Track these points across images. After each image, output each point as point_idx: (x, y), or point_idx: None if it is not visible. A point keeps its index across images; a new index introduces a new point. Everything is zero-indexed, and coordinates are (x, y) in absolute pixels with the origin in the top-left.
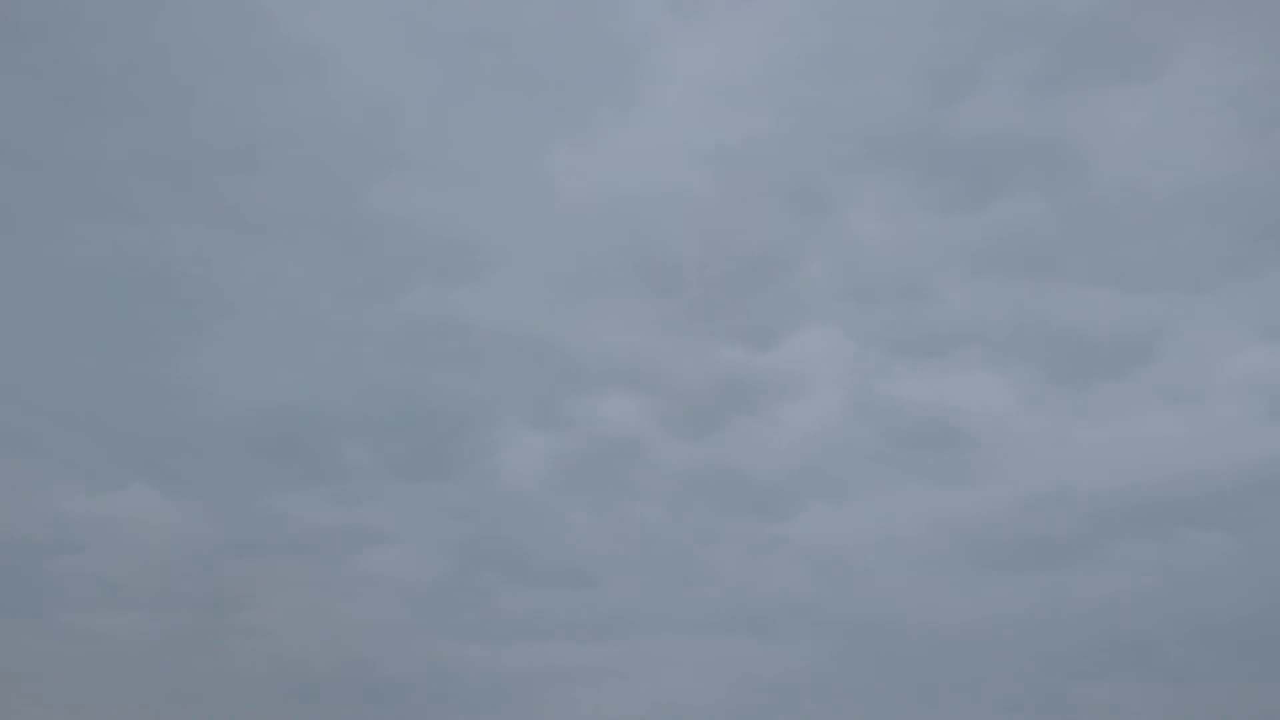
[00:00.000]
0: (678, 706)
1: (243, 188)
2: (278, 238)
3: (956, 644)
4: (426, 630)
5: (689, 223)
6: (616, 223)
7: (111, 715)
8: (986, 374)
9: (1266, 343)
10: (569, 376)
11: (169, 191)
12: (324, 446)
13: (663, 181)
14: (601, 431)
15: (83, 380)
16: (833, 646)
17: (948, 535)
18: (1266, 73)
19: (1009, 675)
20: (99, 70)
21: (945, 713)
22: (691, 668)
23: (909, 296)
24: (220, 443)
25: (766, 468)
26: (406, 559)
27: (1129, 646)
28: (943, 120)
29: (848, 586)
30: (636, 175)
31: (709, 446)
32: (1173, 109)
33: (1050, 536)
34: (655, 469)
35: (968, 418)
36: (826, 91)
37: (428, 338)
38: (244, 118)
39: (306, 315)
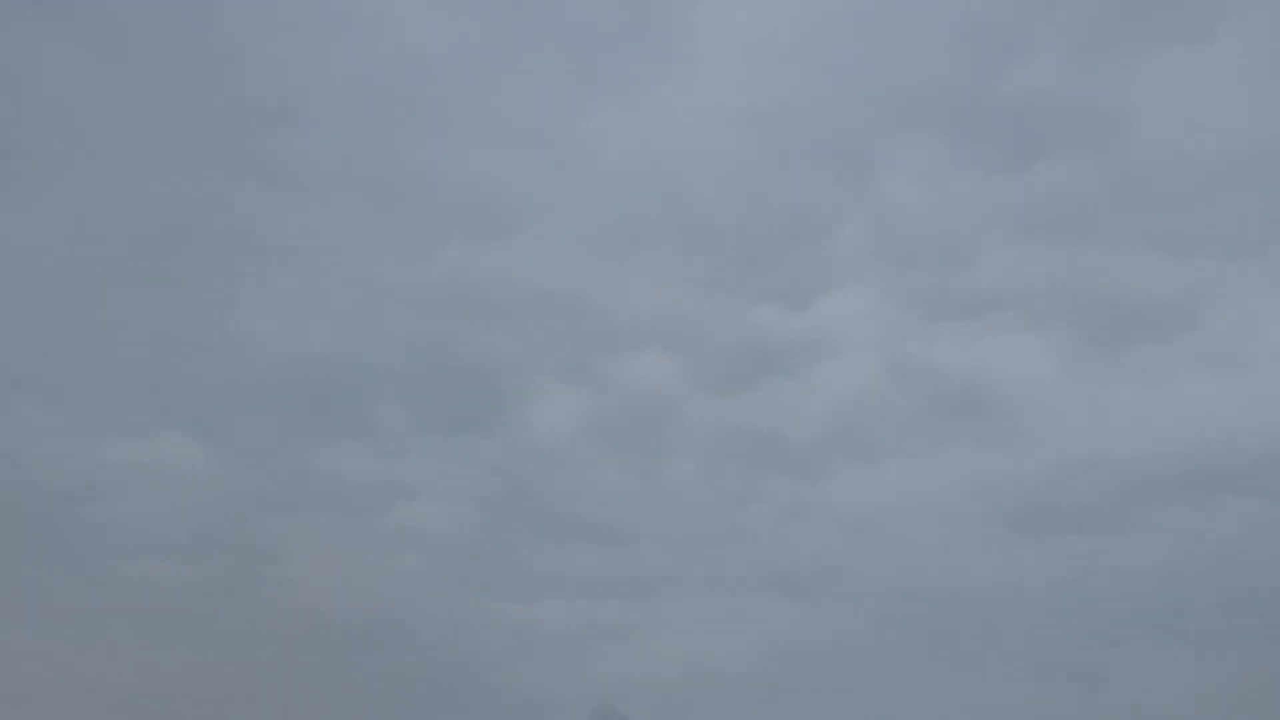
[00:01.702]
0: (707, 666)
1: (282, 143)
2: (315, 193)
3: (989, 610)
4: (457, 585)
5: (726, 183)
6: (653, 182)
7: (145, 660)
8: (1024, 338)
9: None
10: (603, 334)
11: (209, 146)
12: (357, 401)
13: (701, 141)
14: (634, 390)
15: (121, 332)
16: (864, 610)
17: (982, 501)
18: None
19: (1041, 642)
20: (143, 26)
21: (977, 678)
22: (721, 628)
23: (947, 259)
24: (255, 395)
25: (799, 429)
26: (438, 514)
27: (1164, 615)
28: (986, 82)
29: (880, 550)
30: (675, 134)
31: (742, 407)
32: (1220, 72)
33: (1086, 503)
34: (687, 428)
35: (1004, 382)
36: (868, 52)
37: (462, 294)
38: (285, 74)
39: (342, 270)
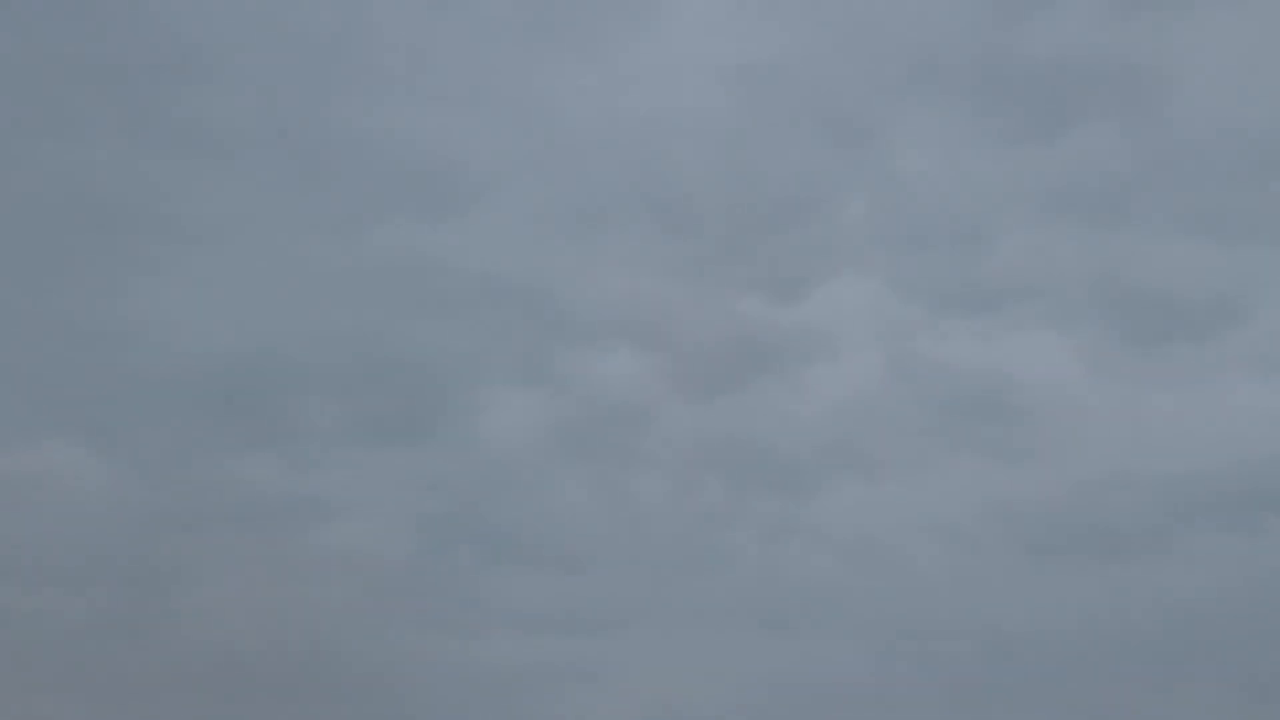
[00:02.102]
0: (681, 712)
1: (192, 102)
2: (230, 160)
3: (1007, 647)
4: (392, 618)
5: (708, 153)
6: (624, 152)
7: (25, 710)
8: (1048, 335)
9: None
10: (564, 328)
11: (105, 105)
12: (278, 403)
13: (678, 104)
14: (600, 393)
15: None
16: (863, 647)
17: (999, 521)
18: None
19: (1067, 685)
20: None
21: None
22: (698, 668)
23: (960, 243)
24: (158, 397)
25: (790, 439)
26: (371, 536)
27: (1210, 654)
28: (1006, 40)
29: (882, 578)
30: (648, 96)
31: (724, 413)
32: (1275, 30)
33: (1119, 525)
34: (661, 438)
35: (1025, 386)
36: (872, 3)
37: (402, 280)
38: (196, 21)
39: (262, 251)
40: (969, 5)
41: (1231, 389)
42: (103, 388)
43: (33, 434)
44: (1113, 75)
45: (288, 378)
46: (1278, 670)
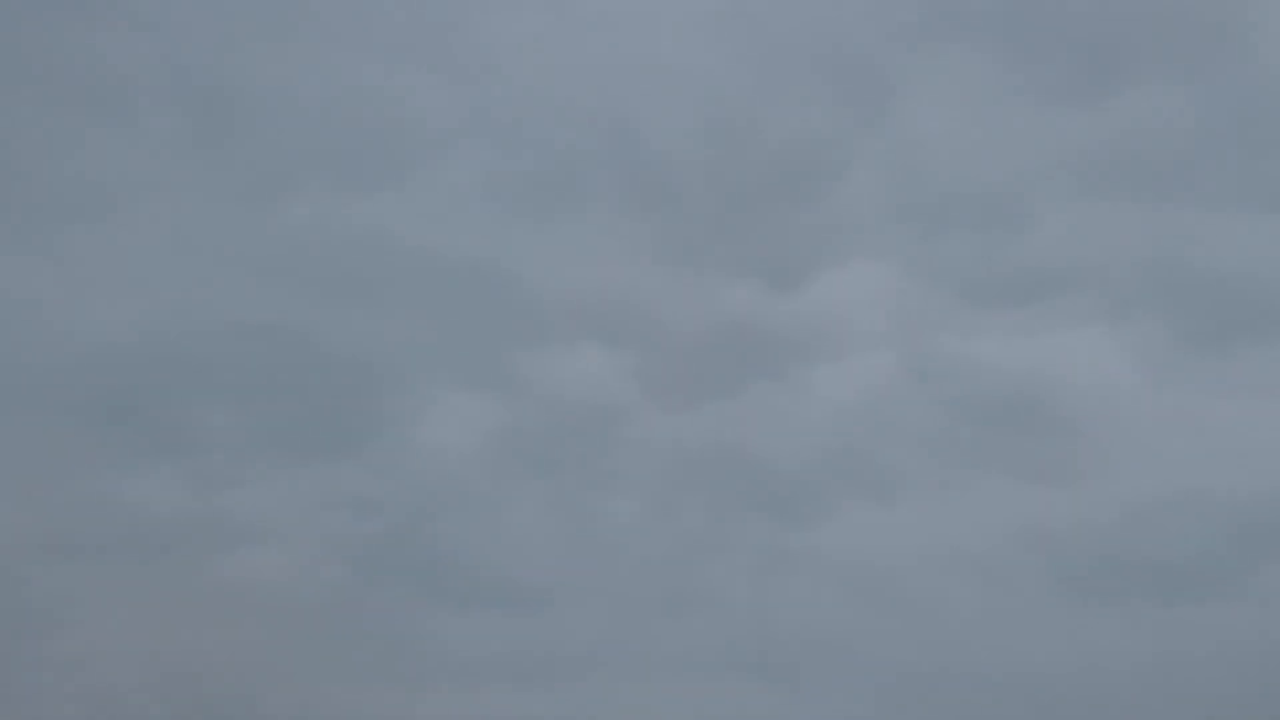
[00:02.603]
0: None
1: (73, 46)
2: (118, 117)
3: (1043, 701)
4: (312, 665)
5: (688, 112)
6: (588, 111)
7: None
8: (1095, 331)
9: None
10: (519, 319)
11: None
12: (173, 408)
13: (653, 54)
14: (563, 397)
15: None
16: (872, 700)
17: (1035, 552)
18: None
19: None
20: None
21: None
22: None
23: (991, 221)
24: (30, 400)
25: (788, 453)
26: (287, 566)
27: None
28: None
29: (895, 619)
30: (617, 44)
31: (710, 422)
32: None
33: (1179, 557)
34: (635, 451)
35: (1067, 391)
36: None
37: (325, 260)
38: None
39: (156, 224)
40: None
41: None
42: None
43: None
44: (1173, 23)
45: (186, 377)
46: None
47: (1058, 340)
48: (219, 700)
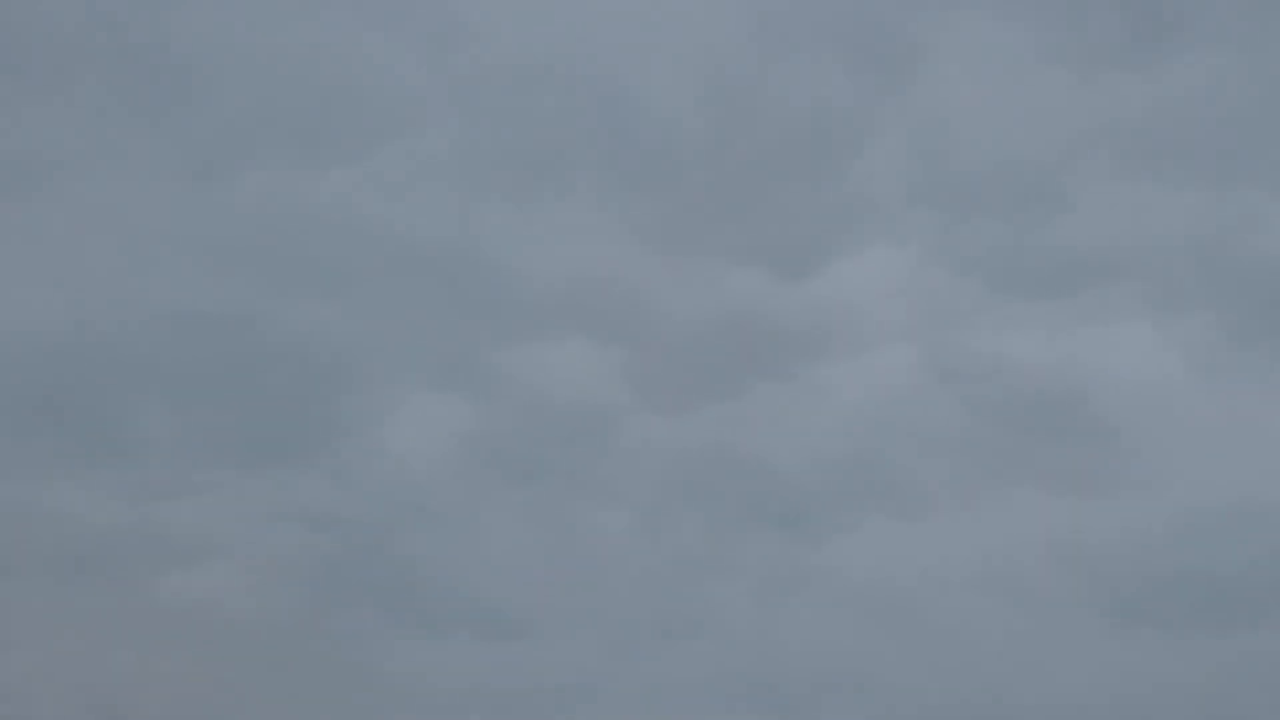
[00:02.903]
0: None
1: None
2: (45, 81)
3: None
4: (262, 697)
5: (689, 78)
6: (576, 76)
7: None
8: (1140, 325)
9: None
10: (497, 310)
11: None
12: (106, 408)
13: (650, 14)
14: (544, 396)
15: None
16: None
17: (1073, 570)
18: None
19: None
20: None
21: None
22: None
23: (1024, 202)
24: None
25: (797, 460)
26: (233, 586)
27: None
28: None
29: (917, 644)
30: (609, 3)
31: (709, 425)
32: None
33: (1231, 576)
34: (627, 458)
35: (1108, 391)
36: None
37: (278, 242)
38: None
39: (86, 202)
40: None
41: None
42: None
43: None
44: None
45: (121, 373)
46: None
47: (1098, 335)
48: None
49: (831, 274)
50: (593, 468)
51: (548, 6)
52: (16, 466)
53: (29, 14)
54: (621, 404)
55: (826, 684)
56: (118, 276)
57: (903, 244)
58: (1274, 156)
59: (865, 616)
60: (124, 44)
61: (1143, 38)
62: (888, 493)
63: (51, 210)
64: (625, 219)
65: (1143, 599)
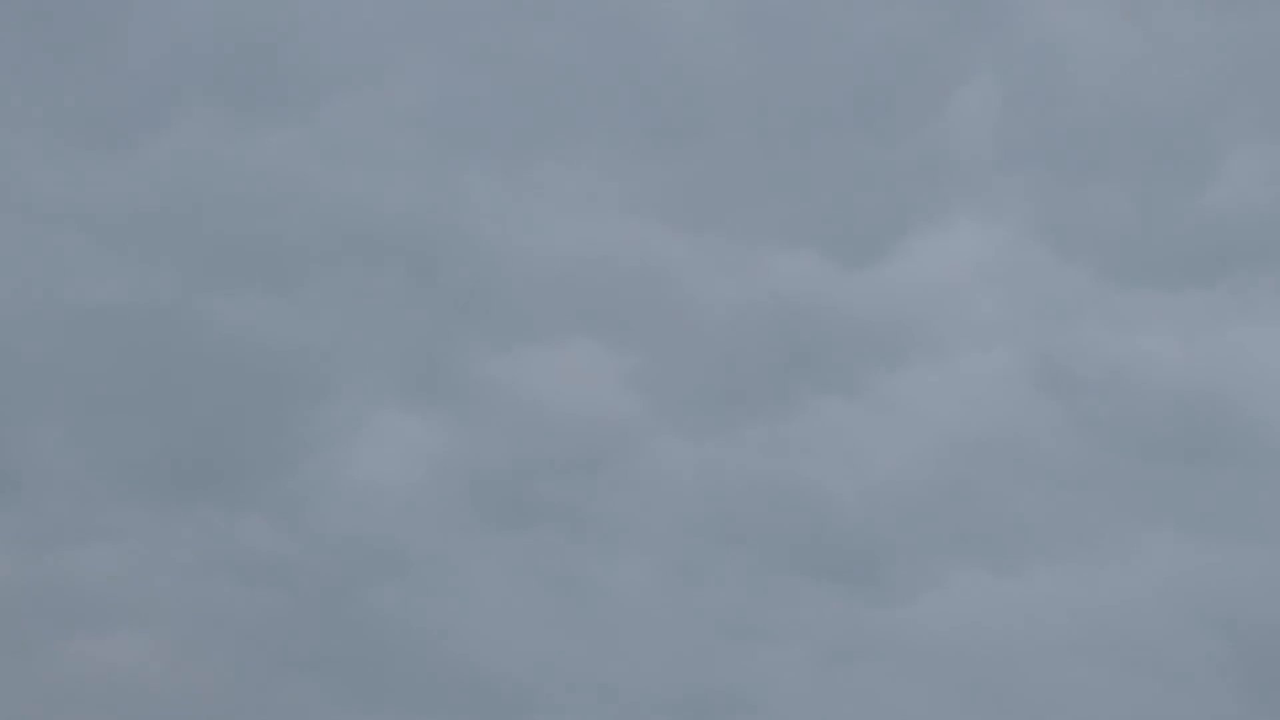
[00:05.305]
0: None
1: None
2: None
3: None
4: None
5: (725, 10)
6: (580, 8)
7: None
8: None
9: None
10: (483, 305)
11: None
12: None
13: None
14: (542, 414)
15: None
16: None
17: (1213, 632)
18: None
19: None
20: None
21: None
22: None
23: (1152, 166)
24: None
25: (862, 494)
26: (154, 650)
27: None
28: None
29: (1017, 716)
30: None
31: (748, 449)
32: None
33: None
34: (644, 490)
35: (1260, 405)
36: None
37: (208, 219)
38: None
39: None
40: None
41: None
42: None
43: None
44: None
45: (12, 387)
46: None
47: (1246, 333)
48: None
49: (905, 257)
50: (604, 503)
51: None
52: None
53: None
54: (638, 423)
55: None
56: (6, 264)
57: (996, 218)
58: None
59: (949, 690)
60: None
61: None
62: (979, 536)
63: None
64: (643, 189)
65: None
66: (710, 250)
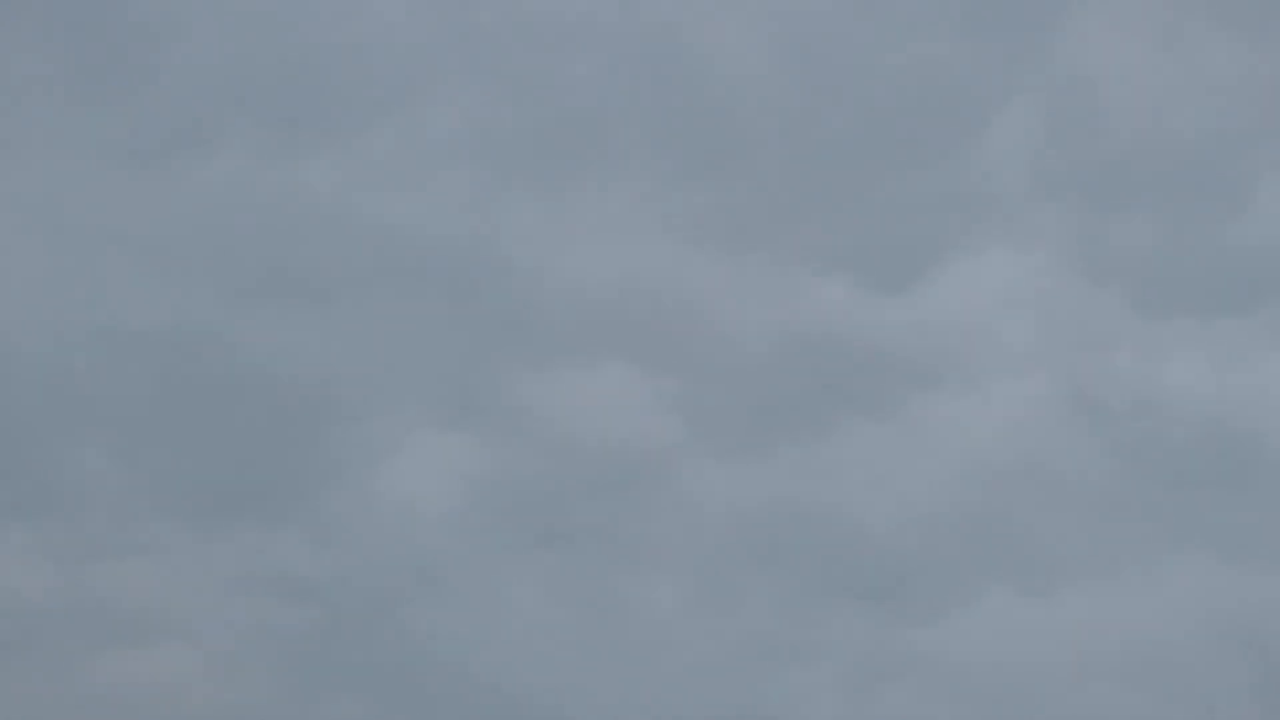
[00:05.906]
0: None
1: None
2: None
3: None
4: None
5: (761, 36)
6: (616, 36)
7: None
8: None
9: None
10: (518, 328)
11: None
12: (30, 449)
13: None
14: (576, 437)
15: None
16: None
17: (1247, 658)
18: None
19: None
20: None
21: None
22: None
23: (1187, 194)
24: None
25: (894, 518)
26: (190, 668)
27: None
28: None
29: None
30: None
31: (782, 473)
32: None
33: None
34: (679, 513)
35: None
36: None
37: (246, 244)
38: None
39: (10, 196)
40: None
41: None
42: None
43: None
44: None
45: (49, 405)
46: None
47: (1278, 364)
48: None
49: (939, 284)
50: (637, 526)
51: None
52: None
53: None
54: (673, 446)
55: None
56: (46, 286)
57: (1030, 247)
58: None
59: (979, 712)
60: (54, 9)
61: None
62: (1009, 559)
63: None
64: (678, 213)
65: None
66: (745, 276)
